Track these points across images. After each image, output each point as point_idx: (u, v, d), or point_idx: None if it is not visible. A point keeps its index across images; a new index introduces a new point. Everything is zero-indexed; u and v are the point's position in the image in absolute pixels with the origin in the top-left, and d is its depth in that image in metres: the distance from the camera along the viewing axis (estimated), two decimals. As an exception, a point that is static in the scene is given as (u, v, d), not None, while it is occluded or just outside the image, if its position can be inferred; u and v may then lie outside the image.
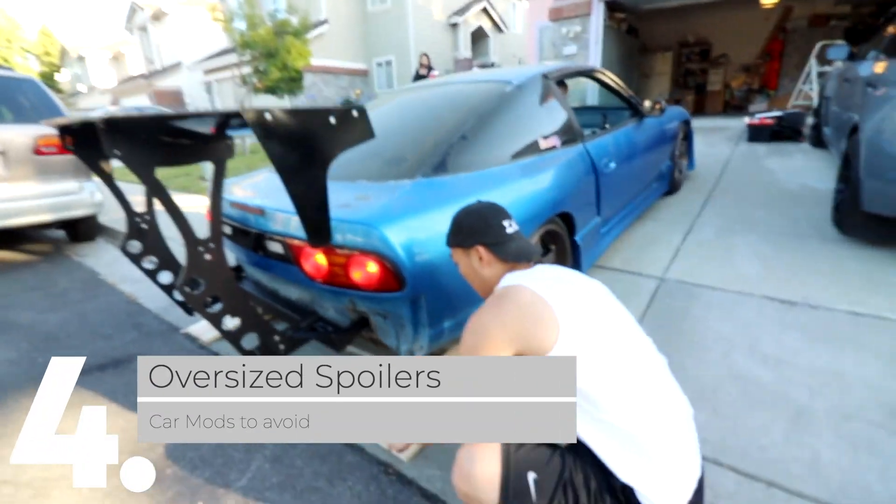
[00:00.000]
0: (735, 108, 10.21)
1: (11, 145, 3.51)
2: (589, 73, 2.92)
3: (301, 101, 12.57)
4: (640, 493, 0.88)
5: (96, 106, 20.66)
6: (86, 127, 1.63)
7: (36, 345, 2.38)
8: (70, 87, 27.45)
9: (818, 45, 7.30)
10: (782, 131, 5.75)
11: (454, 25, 14.99)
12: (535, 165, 2.01)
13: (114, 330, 2.51)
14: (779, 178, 4.24)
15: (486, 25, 15.98)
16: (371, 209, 1.52)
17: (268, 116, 0.82)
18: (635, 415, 0.89)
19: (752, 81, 10.32)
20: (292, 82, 9.34)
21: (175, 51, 19.04)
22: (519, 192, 1.85)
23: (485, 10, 15.71)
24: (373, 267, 1.45)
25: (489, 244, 1.09)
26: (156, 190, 1.19)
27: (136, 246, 1.86)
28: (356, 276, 1.48)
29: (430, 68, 8.34)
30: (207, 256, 1.33)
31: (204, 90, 17.18)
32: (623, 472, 0.88)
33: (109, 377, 2.03)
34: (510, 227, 1.11)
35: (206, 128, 1.34)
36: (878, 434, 1.41)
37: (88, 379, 2.02)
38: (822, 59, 7.16)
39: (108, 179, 1.78)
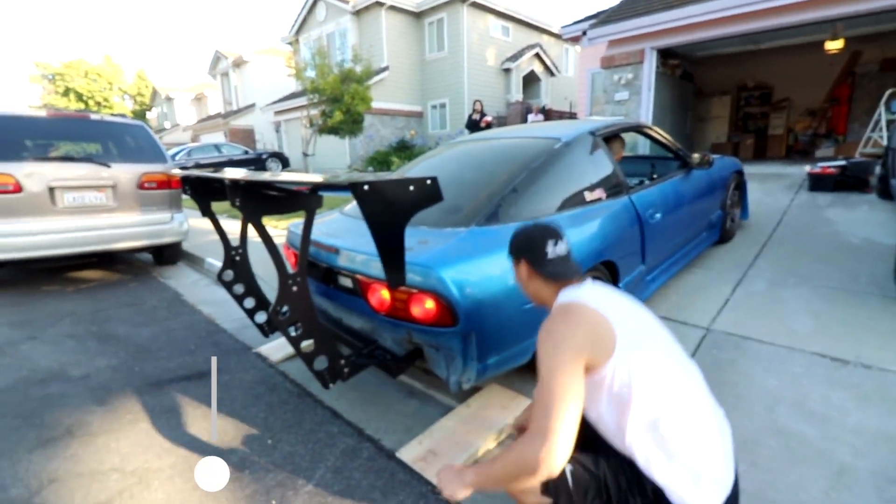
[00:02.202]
0: (799, 153, 9.85)
1: (121, 180, 4.11)
2: (637, 129, 3.08)
3: (360, 140, 13.45)
4: (673, 494, 0.98)
5: (179, 141, 23.02)
6: (201, 179, 1.99)
7: (132, 355, 2.74)
8: (157, 124, 30.82)
9: (888, 93, 7.04)
10: (847, 181, 5.53)
11: (507, 70, 15.64)
12: (580, 216, 2.16)
13: (196, 346, 2.85)
14: (839, 230, 4.10)
15: (538, 70, 16.53)
16: (431, 253, 1.73)
17: (365, 187, 1.06)
18: (675, 422, 0.99)
19: (818, 126, 9.94)
20: (354, 124, 10.11)
21: (250, 93, 21.02)
22: (564, 240, 2.01)
23: (537, 56, 16.31)
24: (430, 304, 1.65)
25: (531, 261, 1.23)
26: (261, 232, 1.48)
27: (229, 275, 2.18)
28: (415, 311, 1.68)
29: (482, 114, 8.78)
30: (294, 288, 1.59)
31: (273, 129, 18.75)
32: (659, 473, 0.99)
33: (194, 387, 2.32)
34: (553, 250, 1.21)
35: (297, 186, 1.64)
36: (927, 501, 1.39)
37: (177, 387, 2.32)
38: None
39: (213, 218, 2.12)
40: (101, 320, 3.32)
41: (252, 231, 2.15)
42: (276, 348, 2.68)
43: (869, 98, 8.66)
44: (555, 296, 1.18)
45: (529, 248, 1.24)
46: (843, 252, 3.60)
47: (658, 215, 2.64)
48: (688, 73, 9.71)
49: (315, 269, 2.15)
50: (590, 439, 1.12)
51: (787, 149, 10.22)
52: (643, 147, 7.60)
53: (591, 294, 1.10)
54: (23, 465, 1.73)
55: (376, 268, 1.77)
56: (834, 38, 7.83)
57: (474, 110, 8.93)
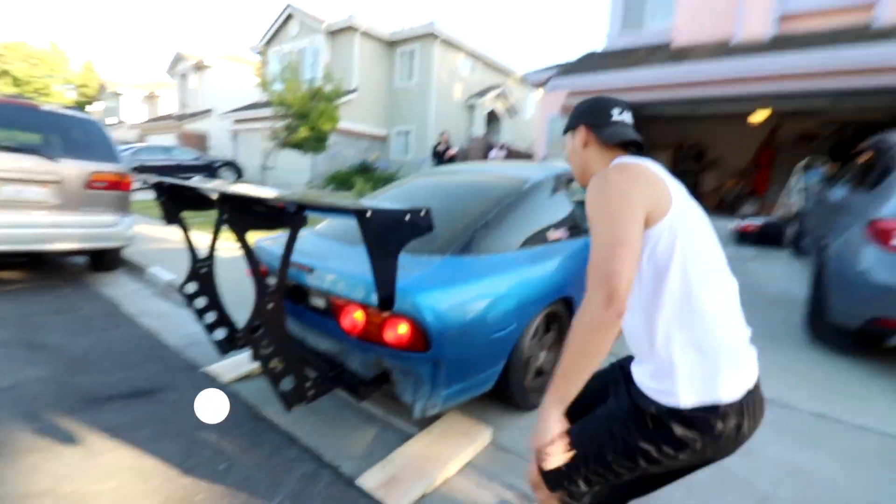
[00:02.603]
0: (727, 208, 10.90)
1: (67, 177, 3.86)
2: (594, 176, 3.34)
3: (322, 158, 13.33)
4: (683, 377, 0.93)
5: (123, 139, 21.68)
6: (174, 186, 1.95)
7: (68, 366, 2.53)
8: (100, 119, 28.88)
9: (802, 163, 8.05)
10: (766, 237, 6.21)
11: (471, 107, 16.26)
12: (544, 253, 2.31)
13: (138, 361, 2.68)
14: (760, 281, 4.59)
15: (500, 109, 17.32)
16: (407, 279, 1.79)
17: (368, 214, 1.12)
18: (706, 305, 0.94)
19: (744, 186, 11.10)
20: (318, 142, 10.05)
21: (209, 98, 20.36)
22: (528, 275, 2.14)
23: (500, 96, 17.12)
24: (404, 328, 1.70)
25: (591, 124, 1.16)
26: (245, 246, 1.48)
27: (192, 287, 2.11)
28: (388, 335, 1.72)
29: (448, 146, 9.06)
30: (270, 305, 1.59)
31: (230, 137, 18.16)
32: (676, 352, 0.94)
33: (138, 405, 2.18)
34: (619, 115, 1.15)
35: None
36: (833, 528, 1.59)
37: (118, 405, 2.18)
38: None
39: (183, 227, 2.07)
40: (30, 327, 3.04)
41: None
42: (227, 368, 2.58)
43: (787, 164, 9.80)
44: (605, 167, 1.09)
45: (593, 110, 1.17)
46: (763, 302, 4.02)
47: (611, 258, 2.86)
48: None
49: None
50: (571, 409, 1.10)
51: (719, 203, 11.28)
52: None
53: (649, 163, 1.04)
54: (-65, 484, 1.56)
55: (352, 290, 1.81)
56: (761, 108, 8.87)
57: (440, 141, 9.21)
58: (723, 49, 7.47)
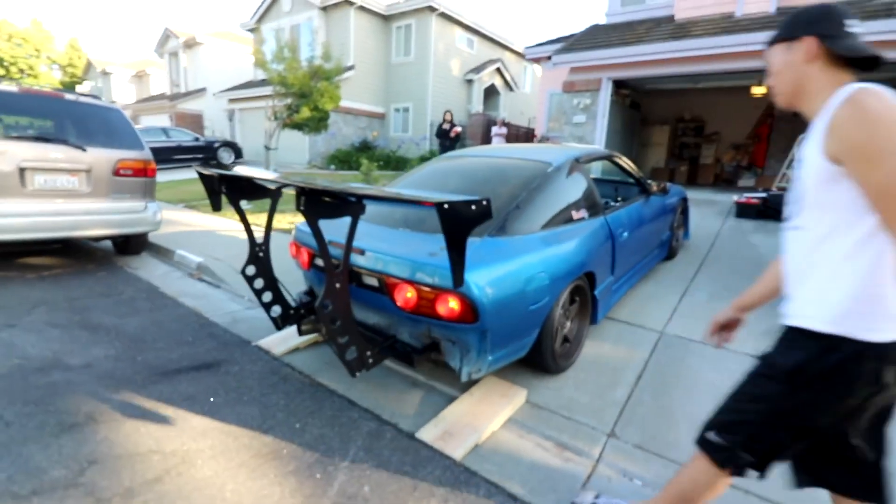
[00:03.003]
0: (725, 181, 11.08)
1: (95, 166, 3.99)
2: (609, 158, 3.52)
3: (322, 137, 13.32)
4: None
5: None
6: (234, 177, 2.12)
7: (128, 345, 2.74)
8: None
9: (801, 137, 8.19)
10: (767, 210, 6.42)
11: (469, 81, 16.15)
12: (570, 233, 2.52)
13: (193, 338, 2.90)
14: (762, 253, 4.83)
15: (498, 84, 17.21)
16: (454, 259, 1.99)
17: (445, 206, 1.31)
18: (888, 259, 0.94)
19: (742, 159, 11.24)
20: (319, 122, 10.08)
21: (202, 77, 20.02)
22: (558, 252, 2.35)
23: (498, 70, 16.98)
24: (455, 303, 1.91)
25: (823, 35, 0.99)
26: (318, 234, 1.68)
27: (252, 270, 2.30)
28: (441, 308, 1.94)
29: (452, 124, 9.12)
30: (337, 285, 1.79)
31: (226, 117, 18.00)
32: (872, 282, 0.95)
33: (206, 376, 2.41)
34: (853, 27, 1.00)
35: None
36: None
37: (188, 377, 2.40)
38: (803, 148, 8.06)
39: (242, 214, 2.25)
40: (80, 309, 3.24)
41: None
42: (278, 341, 2.81)
43: (785, 138, 9.96)
44: (832, 88, 0.99)
45: (826, 18, 1.01)
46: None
47: (625, 234, 3.07)
48: (635, 102, 10.66)
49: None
50: None
51: (715, 177, 11.45)
52: (595, 172, 8.29)
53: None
54: (54, 448, 1.78)
55: (404, 270, 2.01)
56: (759, 84, 8.96)
57: (445, 120, 9.26)
58: (726, 23, 7.51)
